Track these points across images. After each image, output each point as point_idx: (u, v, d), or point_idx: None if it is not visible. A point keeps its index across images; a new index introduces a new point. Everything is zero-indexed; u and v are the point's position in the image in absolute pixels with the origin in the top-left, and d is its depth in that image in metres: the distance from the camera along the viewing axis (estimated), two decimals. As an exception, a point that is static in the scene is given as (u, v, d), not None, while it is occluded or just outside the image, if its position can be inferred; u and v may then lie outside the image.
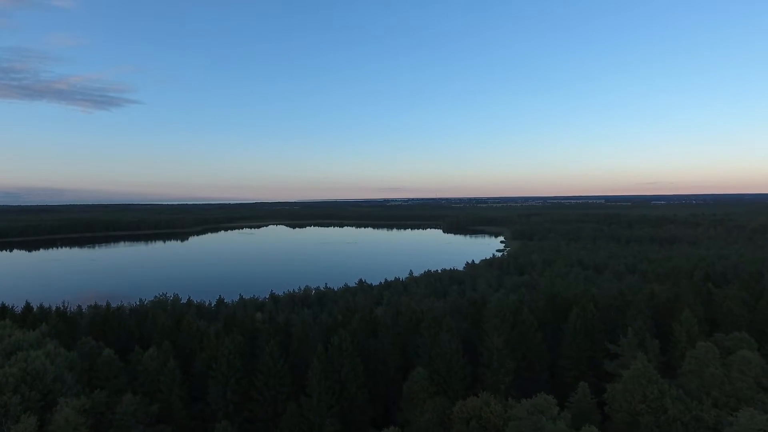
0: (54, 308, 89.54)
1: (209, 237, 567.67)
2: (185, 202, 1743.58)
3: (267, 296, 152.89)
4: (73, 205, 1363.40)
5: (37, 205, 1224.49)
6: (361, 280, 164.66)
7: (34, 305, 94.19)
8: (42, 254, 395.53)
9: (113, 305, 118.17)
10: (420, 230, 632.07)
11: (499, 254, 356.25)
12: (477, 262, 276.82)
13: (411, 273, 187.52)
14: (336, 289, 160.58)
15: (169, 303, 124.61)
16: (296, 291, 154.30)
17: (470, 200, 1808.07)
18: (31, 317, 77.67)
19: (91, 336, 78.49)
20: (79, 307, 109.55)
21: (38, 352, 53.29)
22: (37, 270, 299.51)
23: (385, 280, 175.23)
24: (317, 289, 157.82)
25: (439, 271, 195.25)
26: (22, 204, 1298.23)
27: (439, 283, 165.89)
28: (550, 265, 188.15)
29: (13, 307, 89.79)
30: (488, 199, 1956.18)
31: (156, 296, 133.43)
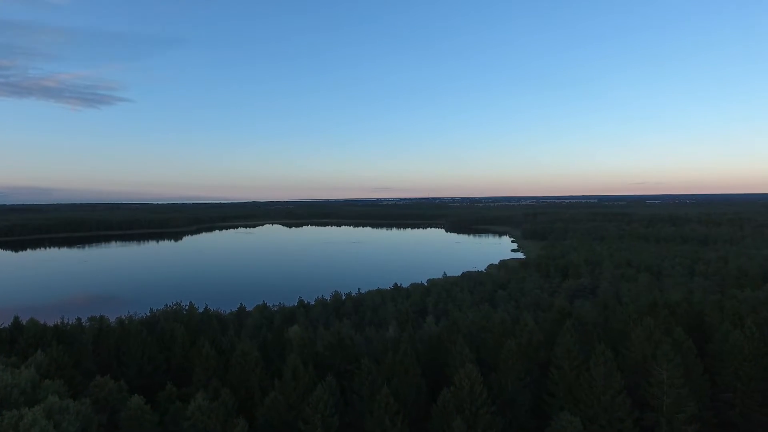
0: (50, 325, 69.52)
1: (205, 236, 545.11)
2: (176, 202, 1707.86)
3: (282, 303, 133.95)
4: (61, 204, 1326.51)
5: (24, 205, 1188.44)
6: (395, 283, 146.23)
7: (23, 318, 74.75)
8: (29, 255, 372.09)
9: (117, 315, 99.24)
10: (421, 230, 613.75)
11: (515, 254, 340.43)
12: (496, 262, 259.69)
13: (444, 274, 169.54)
14: (365, 292, 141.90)
15: (185, 313, 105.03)
16: (324, 296, 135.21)
17: (463, 200, 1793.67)
18: (22, 340, 58.44)
19: (100, 364, 59.81)
20: (79, 320, 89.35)
21: (36, 409, 34.39)
22: (24, 272, 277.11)
23: (422, 282, 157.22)
24: (348, 294, 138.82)
25: (458, 274, 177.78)
26: (8, 203, 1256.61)
27: (481, 287, 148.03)
28: (596, 267, 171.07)
29: (-3, 324, 70.25)
30: (481, 198, 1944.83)
31: (167, 305, 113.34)
